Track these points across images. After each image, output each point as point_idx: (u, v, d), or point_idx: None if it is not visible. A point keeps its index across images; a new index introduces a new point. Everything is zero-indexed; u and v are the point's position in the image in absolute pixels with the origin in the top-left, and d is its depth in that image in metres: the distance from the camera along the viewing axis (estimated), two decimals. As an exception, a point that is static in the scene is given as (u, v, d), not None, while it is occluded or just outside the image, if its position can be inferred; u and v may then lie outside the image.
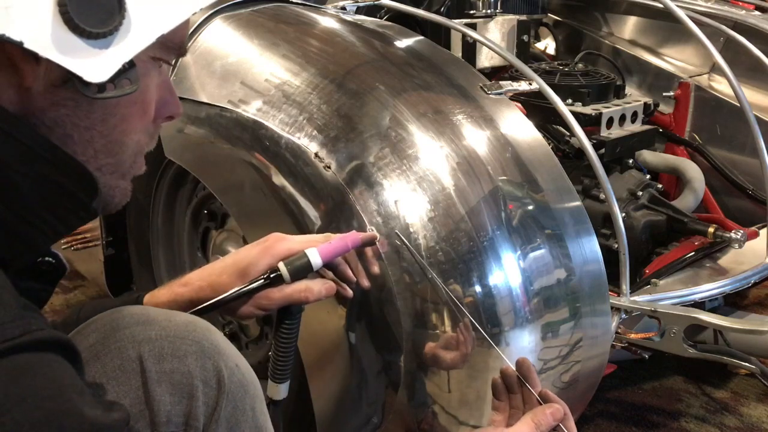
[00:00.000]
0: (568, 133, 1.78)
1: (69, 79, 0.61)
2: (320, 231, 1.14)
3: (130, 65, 0.63)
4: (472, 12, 2.08)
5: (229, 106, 1.30)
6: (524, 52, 2.11)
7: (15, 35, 0.56)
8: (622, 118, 1.76)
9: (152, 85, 0.70)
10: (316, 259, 0.95)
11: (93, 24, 0.58)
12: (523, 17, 2.13)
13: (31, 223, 0.63)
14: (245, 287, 0.93)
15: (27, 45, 0.56)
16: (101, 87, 0.61)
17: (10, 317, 0.53)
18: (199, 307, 0.91)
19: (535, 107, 1.64)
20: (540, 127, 1.43)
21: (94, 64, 0.59)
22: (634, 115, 1.79)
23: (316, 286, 0.94)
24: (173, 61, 0.74)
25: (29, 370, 0.52)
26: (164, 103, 0.73)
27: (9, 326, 0.53)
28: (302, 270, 0.94)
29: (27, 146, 0.61)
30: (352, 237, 1.00)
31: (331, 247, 0.97)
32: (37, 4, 0.56)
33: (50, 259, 0.73)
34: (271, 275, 0.93)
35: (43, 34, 0.57)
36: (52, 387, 0.53)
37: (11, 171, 0.60)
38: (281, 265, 0.93)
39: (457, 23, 1.66)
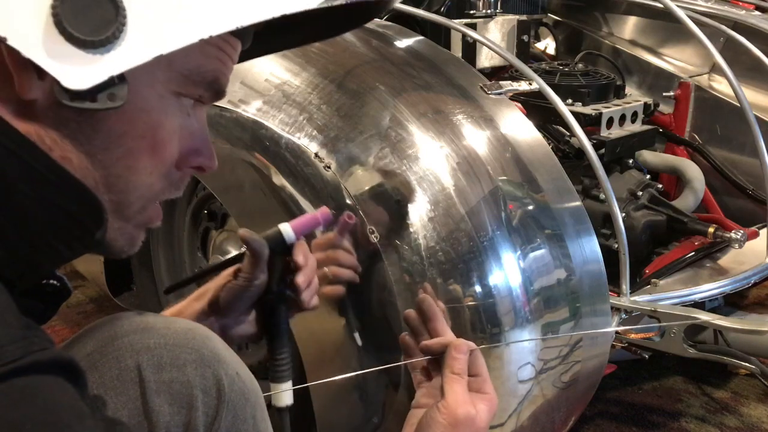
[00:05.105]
0: (568, 133, 1.78)
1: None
2: (320, 231, 1.14)
3: (120, 80, 0.59)
4: (472, 12, 2.08)
5: (229, 106, 1.30)
6: (524, 52, 2.11)
7: (1, 31, 0.54)
8: (622, 118, 1.76)
9: (168, 122, 0.65)
10: (288, 232, 0.92)
11: (84, 31, 0.55)
12: (523, 17, 2.13)
13: (36, 246, 0.61)
14: (222, 260, 0.92)
15: (11, 42, 0.54)
16: (77, 95, 0.57)
17: (11, 338, 0.52)
18: (175, 283, 0.92)
19: (535, 107, 1.64)
20: (540, 127, 1.43)
21: (77, 71, 0.56)
22: (634, 115, 1.79)
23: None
24: (205, 102, 0.69)
25: (29, 395, 0.51)
26: (195, 151, 0.70)
27: (10, 348, 0.51)
28: (273, 238, 0.91)
29: (34, 168, 0.59)
30: (323, 211, 0.96)
31: (302, 220, 0.94)
32: (29, 4, 0.54)
33: (55, 282, 0.70)
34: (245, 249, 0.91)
35: (31, 34, 0.54)
36: (51, 412, 0.52)
37: (18, 192, 0.58)
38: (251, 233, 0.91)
39: (457, 23, 1.66)
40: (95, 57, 0.56)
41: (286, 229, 0.91)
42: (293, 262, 0.93)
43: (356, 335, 1.13)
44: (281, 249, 0.92)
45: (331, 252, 1.00)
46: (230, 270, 0.93)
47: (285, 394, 0.92)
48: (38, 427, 0.50)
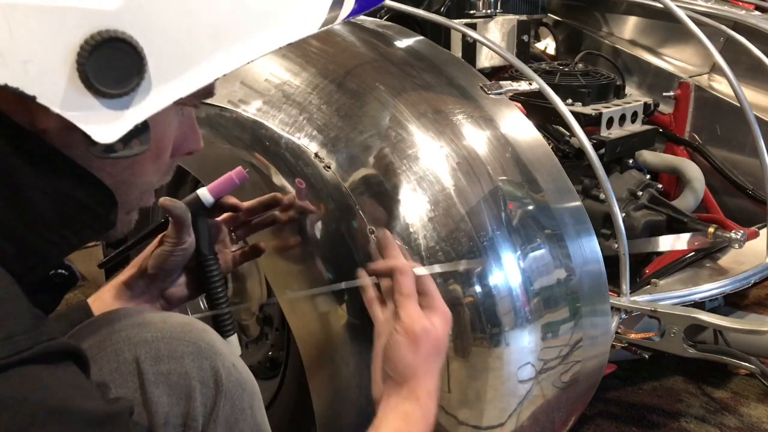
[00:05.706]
0: (568, 133, 1.78)
1: None
2: (321, 231, 1.14)
3: (144, 126, 0.61)
4: (472, 12, 2.08)
5: (229, 106, 1.30)
6: (524, 52, 2.11)
7: (29, 90, 0.55)
8: (622, 118, 1.76)
9: (170, 130, 0.69)
10: (206, 195, 0.97)
11: (109, 85, 0.57)
12: (523, 17, 2.13)
13: (46, 238, 0.62)
14: (145, 230, 0.98)
15: (40, 100, 0.55)
16: (109, 147, 0.60)
17: (23, 329, 0.54)
18: (107, 258, 0.99)
19: (535, 107, 1.64)
20: (540, 127, 1.43)
21: (105, 124, 0.58)
22: (634, 115, 1.79)
23: None
24: (197, 102, 0.73)
25: (41, 378, 0.53)
26: (184, 139, 0.73)
27: (21, 338, 0.53)
28: (192, 203, 0.96)
29: (44, 161, 0.60)
30: (237, 172, 1.00)
31: (218, 182, 0.99)
32: (55, 61, 0.55)
33: (63, 271, 0.73)
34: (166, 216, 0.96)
35: (58, 91, 0.55)
36: (61, 390, 0.54)
37: (27, 186, 0.60)
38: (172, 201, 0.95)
39: (457, 23, 1.66)
40: (120, 108, 0.58)
41: (203, 192, 0.97)
42: (229, 206, 1.00)
43: (355, 334, 1.13)
44: (203, 212, 0.97)
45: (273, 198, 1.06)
46: (158, 238, 0.98)
47: (234, 347, 0.97)
48: (52, 400, 0.53)
